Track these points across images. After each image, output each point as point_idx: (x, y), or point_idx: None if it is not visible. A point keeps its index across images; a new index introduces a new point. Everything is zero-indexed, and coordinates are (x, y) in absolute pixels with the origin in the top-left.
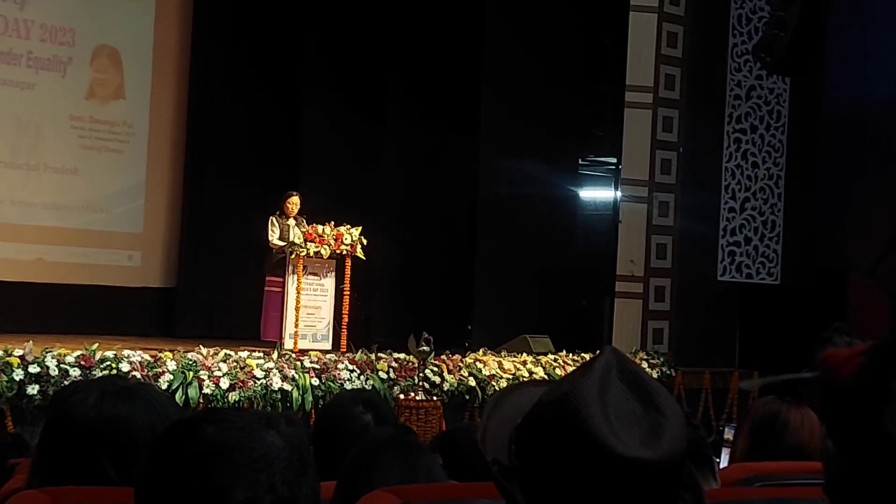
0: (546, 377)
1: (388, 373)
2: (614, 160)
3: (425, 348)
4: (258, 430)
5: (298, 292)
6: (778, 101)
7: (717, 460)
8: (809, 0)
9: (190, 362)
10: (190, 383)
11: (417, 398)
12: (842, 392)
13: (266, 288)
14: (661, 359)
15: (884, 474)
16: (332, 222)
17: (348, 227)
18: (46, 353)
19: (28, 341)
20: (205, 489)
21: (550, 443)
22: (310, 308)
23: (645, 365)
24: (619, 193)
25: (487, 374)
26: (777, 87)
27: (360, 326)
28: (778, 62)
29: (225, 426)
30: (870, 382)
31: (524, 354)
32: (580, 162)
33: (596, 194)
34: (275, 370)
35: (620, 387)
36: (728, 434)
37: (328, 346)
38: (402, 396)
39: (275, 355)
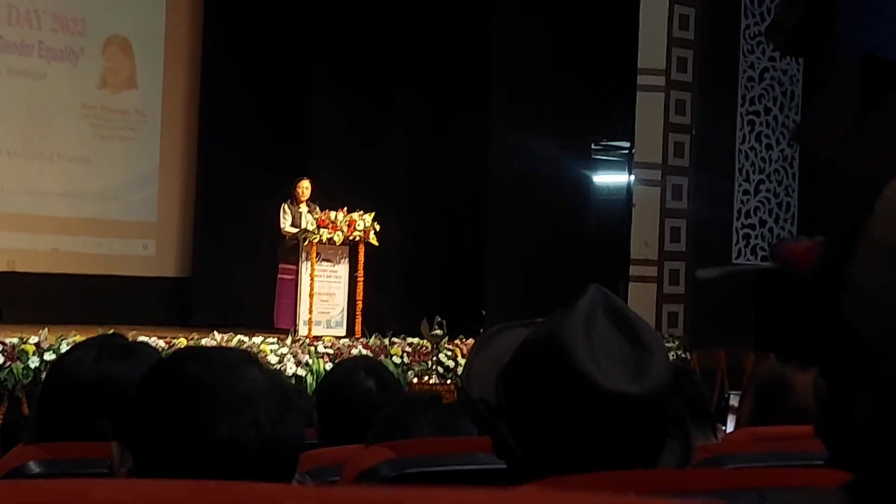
0: None
1: (401, 357)
2: (627, 144)
3: (438, 332)
4: (241, 367)
5: (312, 279)
6: (791, 82)
7: (723, 427)
8: None
9: None
10: None
11: (431, 382)
12: (802, 283)
13: (279, 275)
14: (677, 342)
15: (850, 370)
16: (345, 208)
17: (361, 212)
18: (61, 340)
19: (43, 329)
20: (189, 426)
21: (537, 381)
22: (323, 294)
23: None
24: (632, 177)
25: None
26: (790, 69)
27: (374, 312)
28: (790, 43)
29: (208, 363)
30: (828, 270)
31: None
32: (593, 146)
33: (609, 178)
34: (289, 355)
35: (606, 323)
36: (734, 401)
37: (342, 332)
38: (415, 381)
39: (289, 341)
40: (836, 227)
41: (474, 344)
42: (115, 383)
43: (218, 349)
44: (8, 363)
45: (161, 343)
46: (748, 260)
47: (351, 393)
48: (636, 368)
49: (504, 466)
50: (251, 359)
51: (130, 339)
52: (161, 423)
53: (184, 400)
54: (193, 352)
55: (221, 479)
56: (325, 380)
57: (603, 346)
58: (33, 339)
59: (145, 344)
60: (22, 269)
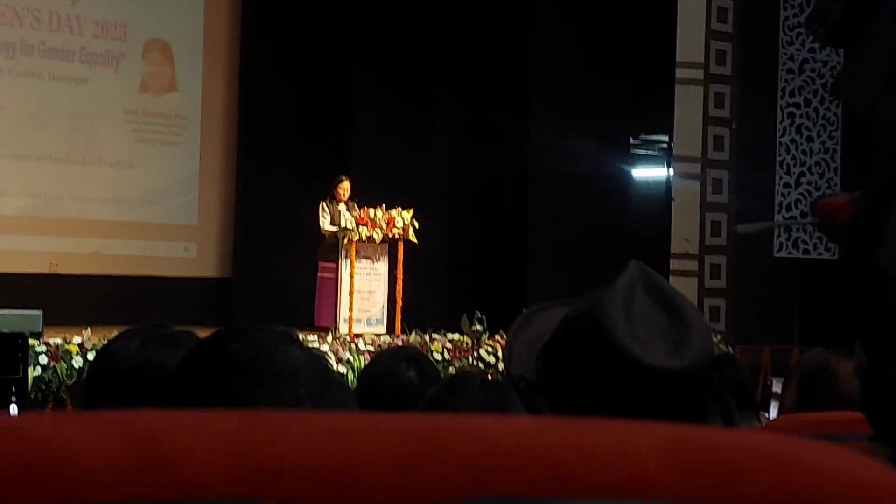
0: None
1: (442, 354)
2: (666, 138)
3: (478, 328)
4: (281, 345)
5: (352, 277)
6: (832, 74)
7: (766, 414)
8: None
9: None
10: None
11: None
12: (840, 235)
13: (319, 274)
14: (719, 336)
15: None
16: (384, 205)
17: (400, 210)
18: (104, 340)
19: (86, 329)
20: (229, 405)
21: (577, 357)
22: (363, 292)
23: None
24: (671, 171)
25: None
26: (830, 60)
27: (414, 309)
28: (830, 34)
29: (247, 342)
30: (866, 222)
31: None
32: (631, 141)
33: (648, 173)
34: (330, 353)
35: (645, 300)
36: (776, 387)
37: (383, 329)
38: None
39: (329, 339)
40: (875, 180)
41: (514, 323)
42: (159, 370)
43: (258, 328)
44: (52, 363)
45: None
46: (790, 253)
47: (392, 384)
48: (676, 343)
49: None
50: (292, 337)
51: (176, 330)
52: (201, 402)
53: (224, 379)
54: (233, 331)
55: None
56: (366, 371)
57: (642, 321)
58: (77, 340)
59: (190, 332)
60: (64, 272)
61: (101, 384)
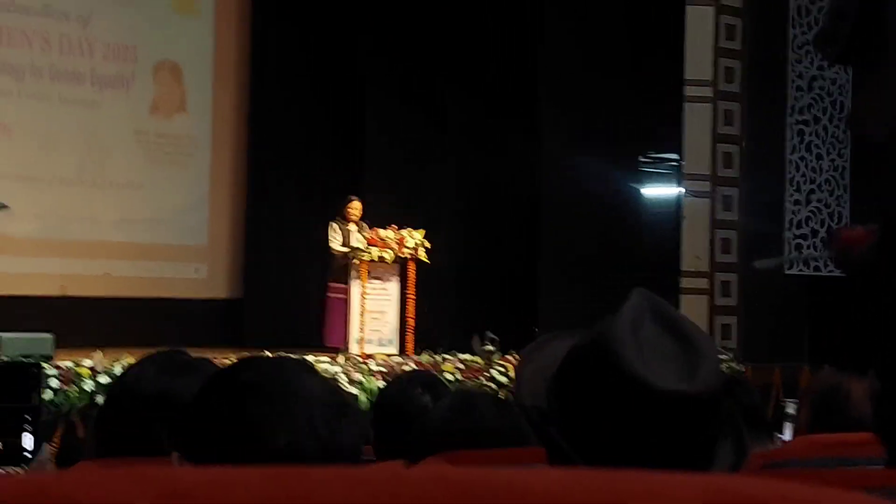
0: None
1: (454, 374)
2: (675, 156)
3: (490, 348)
4: (298, 374)
5: (363, 297)
6: (840, 92)
7: (780, 435)
8: None
9: None
10: None
11: None
12: (857, 267)
13: (329, 294)
14: (730, 354)
15: None
16: (395, 226)
17: (410, 230)
18: (115, 362)
19: (97, 352)
20: (247, 433)
21: (587, 384)
22: (375, 313)
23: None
24: (681, 189)
25: None
26: (839, 78)
27: (426, 329)
28: (839, 52)
29: (265, 371)
30: (884, 255)
31: None
32: (641, 159)
33: (658, 191)
34: (341, 374)
35: (653, 327)
36: (790, 409)
37: (394, 350)
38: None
39: (341, 359)
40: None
41: (522, 353)
42: (175, 398)
43: (275, 358)
44: (63, 387)
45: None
46: (801, 270)
47: (408, 409)
48: (686, 367)
49: None
50: (308, 366)
51: (192, 357)
52: (219, 431)
53: (241, 407)
54: (250, 361)
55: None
56: (382, 395)
57: (651, 347)
58: (87, 363)
59: (206, 360)
60: (74, 294)
61: (118, 411)
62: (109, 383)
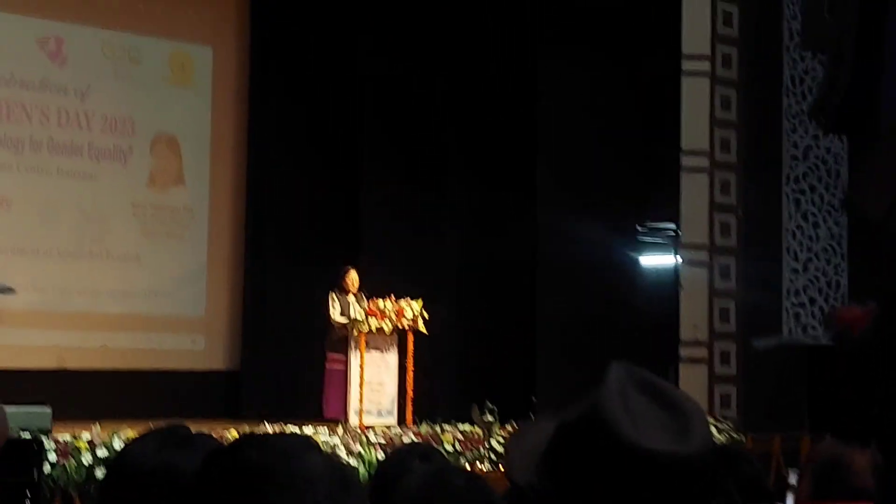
0: None
1: (453, 445)
2: (673, 226)
3: (489, 418)
4: (300, 452)
5: (362, 368)
6: (836, 161)
7: None
8: (861, 58)
9: None
10: None
11: (484, 469)
12: (859, 346)
13: (328, 365)
14: (730, 424)
15: None
16: (393, 296)
17: (409, 300)
18: (114, 436)
19: (95, 425)
20: None
21: (581, 456)
22: (374, 384)
23: (714, 430)
24: (678, 258)
25: None
26: (834, 147)
27: (425, 399)
28: (833, 122)
29: (266, 450)
30: (885, 331)
31: None
32: (638, 228)
33: (655, 260)
34: (340, 446)
35: (640, 397)
36: (792, 479)
37: (393, 420)
38: (468, 468)
39: (340, 431)
40: (889, 290)
41: (507, 440)
42: (177, 473)
43: (276, 435)
44: (61, 461)
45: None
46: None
47: (406, 481)
48: (678, 431)
49: None
50: (310, 443)
51: (194, 431)
52: None
53: (245, 485)
54: (252, 438)
55: None
56: (381, 467)
57: (642, 417)
58: (86, 436)
59: (209, 435)
60: (72, 367)
61: (119, 487)
62: (107, 457)
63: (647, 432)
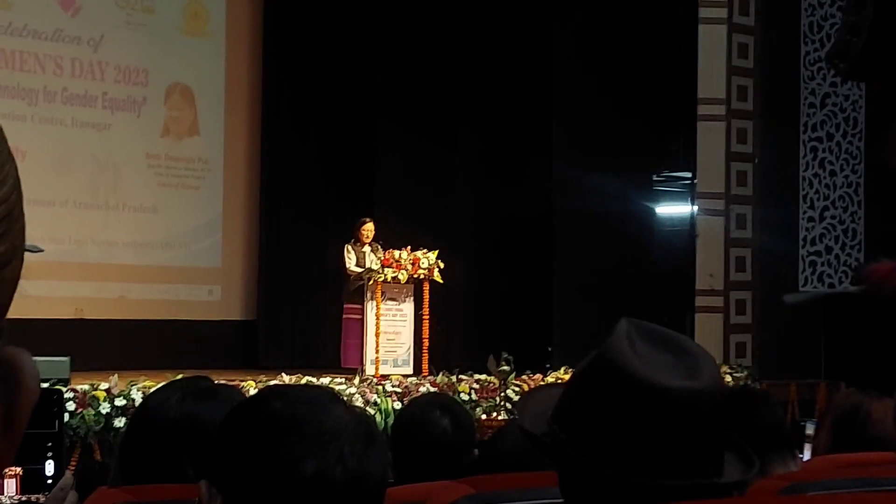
0: None
1: (469, 394)
2: (689, 175)
3: (505, 368)
4: (325, 404)
5: (378, 318)
6: (854, 108)
7: (801, 455)
8: (882, 4)
9: None
10: None
11: (500, 418)
12: (887, 302)
13: (344, 315)
14: (746, 372)
15: None
16: (409, 247)
17: (425, 251)
18: (132, 385)
19: (113, 375)
20: (276, 462)
21: (596, 399)
22: (390, 333)
23: (728, 378)
24: (695, 208)
25: None
26: (852, 94)
27: (441, 350)
28: (851, 68)
29: (291, 400)
30: None
31: None
32: (654, 178)
33: (671, 210)
34: (357, 395)
35: (647, 344)
36: (809, 429)
37: (409, 370)
38: (484, 417)
39: (356, 380)
40: None
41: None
42: (199, 424)
43: (301, 387)
44: (80, 410)
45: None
46: (815, 287)
47: (426, 432)
48: (688, 370)
49: None
50: (335, 396)
51: (215, 384)
52: (248, 460)
53: (270, 436)
54: (277, 390)
55: None
56: (400, 418)
57: (651, 358)
58: (104, 386)
59: (230, 386)
60: (90, 317)
61: (141, 437)
62: (125, 405)
63: (658, 371)
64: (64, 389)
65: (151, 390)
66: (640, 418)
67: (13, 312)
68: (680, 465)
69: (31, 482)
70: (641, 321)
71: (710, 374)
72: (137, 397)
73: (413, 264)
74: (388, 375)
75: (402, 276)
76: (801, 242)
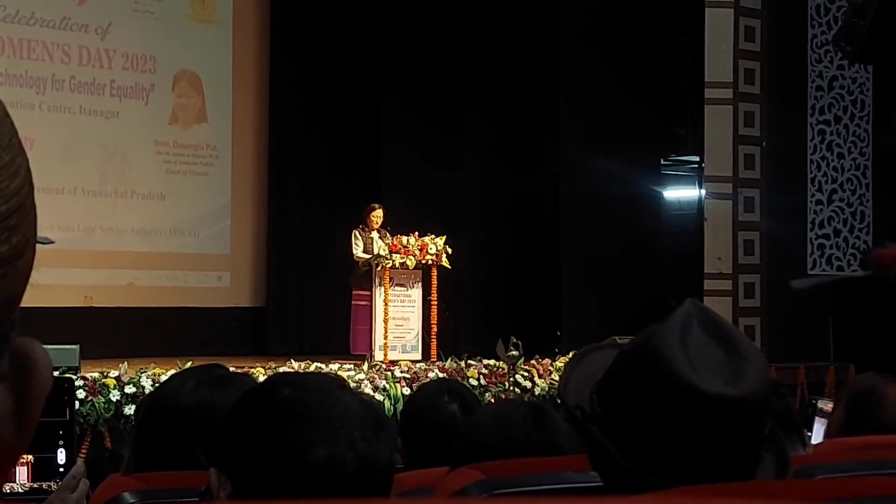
0: None
1: (478, 379)
2: (696, 158)
3: (514, 353)
4: (334, 391)
5: (386, 304)
6: (861, 91)
7: (809, 434)
8: None
9: None
10: None
11: None
12: (893, 287)
13: (353, 302)
14: None
15: None
16: (416, 233)
17: (432, 236)
18: (141, 373)
19: (123, 363)
20: (286, 448)
21: (633, 386)
22: (398, 319)
23: None
24: (702, 191)
25: None
26: (859, 76)
27: (449, 335)
28: (858, 51)
29: (301, 387)
30: None
31: None
32: (662, 162)
33: (679, 193)
34: (366, 381)
35: (701, 333)
36: (822, 405)
37: (418, 356)
38: (493, 402)
39: (365, 366)
40: None
41: (568, 362)
42: (212, 412)
43: (310, 374)
44: (90, 398)
45: (238, 373)
46: (824, 270)
47: (435, 417)
48: (733, 373)
49: (596, 484)
50: (343, 383)
51: (229, 372)
52: (257, 446)
53: (279, 422)
54: (286, 377)
55: (321, 500)
56: (409, 403)
57: (698, 353)
58: (114, 373)
59: (245, 374)
60: (99, 304)
61: (155, 424)
62: (135, 393)
63: (700, 369)
64: (74, 377)
65: (165, 377)
66: (670, 416)
67: (22, 301)
68: (704, 469)
69: (43, 470)
70: (708, 308)
71: (752, 382)
72: (147, 385)
73: (421, 250)
74: (397, 361)
75: (410, 262)
76: (809, 225)
